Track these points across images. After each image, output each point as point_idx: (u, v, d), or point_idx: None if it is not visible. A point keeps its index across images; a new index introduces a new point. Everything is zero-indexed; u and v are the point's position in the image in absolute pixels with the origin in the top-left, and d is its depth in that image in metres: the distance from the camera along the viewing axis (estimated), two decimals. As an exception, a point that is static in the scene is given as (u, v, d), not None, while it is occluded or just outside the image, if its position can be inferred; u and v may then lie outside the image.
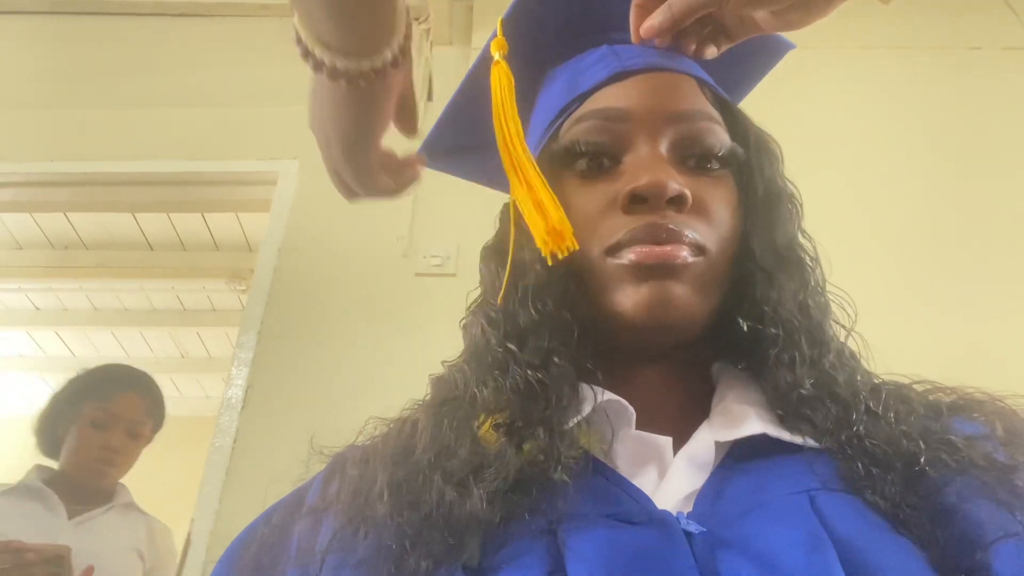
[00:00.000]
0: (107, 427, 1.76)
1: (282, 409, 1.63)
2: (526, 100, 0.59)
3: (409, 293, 1.78)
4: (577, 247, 0.48)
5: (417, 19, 2.29)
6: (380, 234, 1.86)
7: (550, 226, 0.48)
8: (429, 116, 2.02)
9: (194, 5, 2.30)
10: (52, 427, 1.80)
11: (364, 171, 0.51)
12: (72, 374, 1.89)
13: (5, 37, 2.28)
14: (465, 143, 0.66)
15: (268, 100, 2.14)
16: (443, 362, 0.54)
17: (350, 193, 0.54)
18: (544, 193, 0.49)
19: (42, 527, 1.59)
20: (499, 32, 0.57)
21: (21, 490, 1.71)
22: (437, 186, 2.06)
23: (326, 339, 1.73)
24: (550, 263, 0.48)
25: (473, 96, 0.61)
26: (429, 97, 2.11)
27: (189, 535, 1.48)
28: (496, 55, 0.55)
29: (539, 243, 0.48)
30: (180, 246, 3.23)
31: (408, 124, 0.55)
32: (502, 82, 0.54)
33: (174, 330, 3.94)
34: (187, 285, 3.51)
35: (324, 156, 0.52)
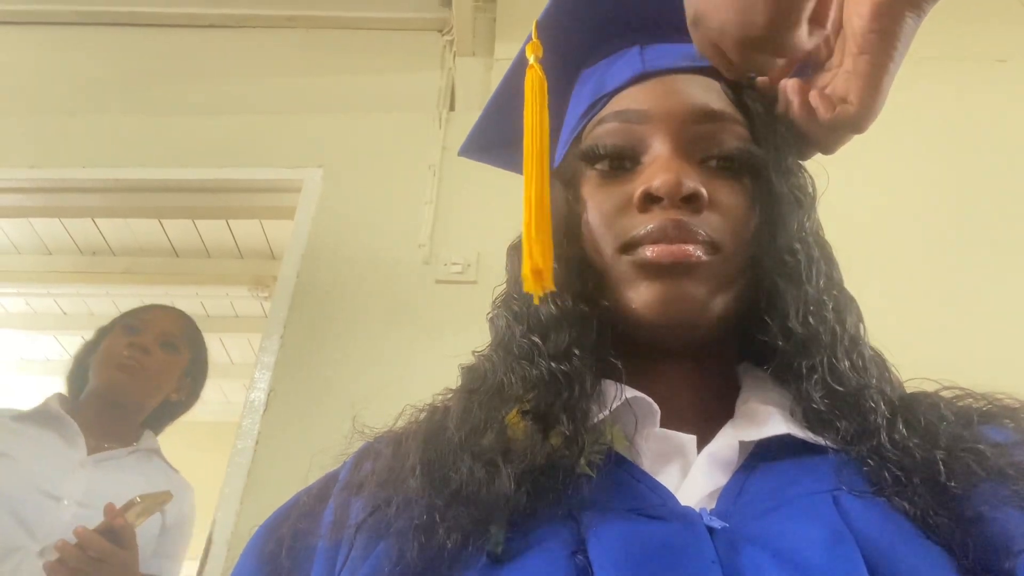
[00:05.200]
0: (139, 330, 1.62)
1: (303, 413, 1.64)
2: (562, 99, 0.60)
3: (430, 300, 1.80)
4: (553, 288, 0.48)
5: (440, 30, 2.32)
6: (401, 241, 1.88)
7: (533, 265, 0.48)
8: (451, 126, 2.04)
9: (222, 17, 2.35)
10: (83, 358, 1.67)
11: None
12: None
13: (37, 46, 2.34)
14: (505, 139, 0.66)
15: (293, 109, 2.17)
16: (473, 352, 0.55)
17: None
18: (536, 230, 0.49)
19: (59, 460, 1.47)
20: (534, 35, 0.56)
21: (38, 415, 1.55)
22: (458, 194, 2.09)
23: (348, 344, 1.75)
24: (536, 301, 0.49)
25: (512, 94, 0.61)
26: (451, 107, 2.13)
27: (211, 535, 1.50)
28: (531, 59, 0.55)
29: (523, 278, 0.48)
30: (205, 253, 3.27)
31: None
32: (534, 88, 0.54)
33: (197, 336, 3.98)
34: (211, 291, 3.56)
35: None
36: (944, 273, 1.76)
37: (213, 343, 4.19)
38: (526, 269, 0.48)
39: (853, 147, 0.56)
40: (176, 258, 3.28)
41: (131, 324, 1.64)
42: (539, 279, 0.48)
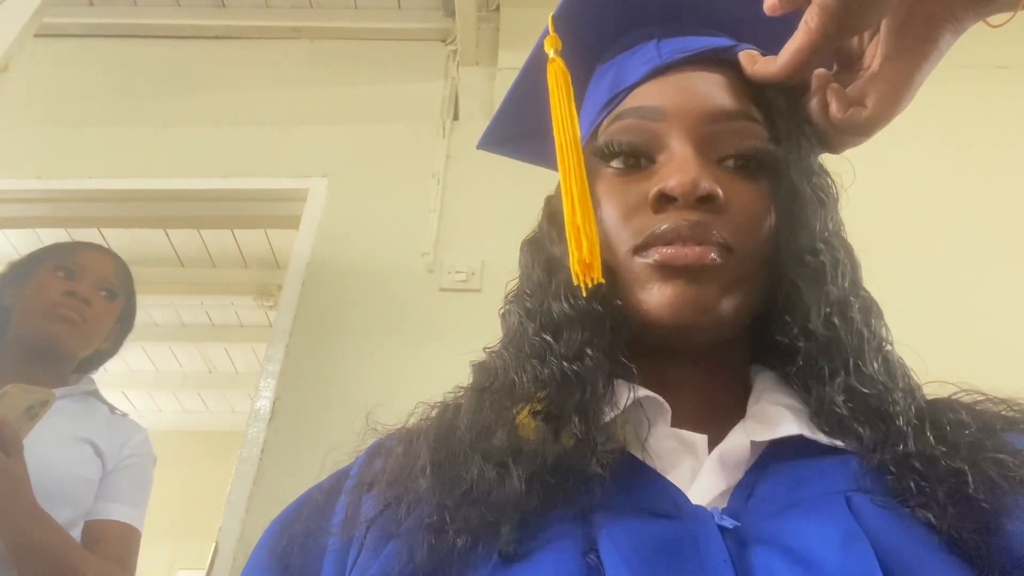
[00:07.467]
0: (77, 275, 1.43)
1: (308, 421, 1.65)
2: (578, 95, 0.59)
3: (434, 308, 1.80)
4: (603, 281, 0.47)
5: (444, 40, 2.33)
6: (406, 250, 1.89)
7: (581, 257, 0.47)
8: (454, 136, 2.05)
9: (227, 28, 2.37)
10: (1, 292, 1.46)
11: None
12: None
13: (45, 59, 2.36)
14: (524, 130, 0.66)
15: (298, 119, 2.19)
16: (484, 348, 0.55)
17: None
18: (583, 219, 0.48)
19: None
20: (551, 29, 0.56)
21: None
22: (462, 203, 2.09)
23: (352, 352, 1.75)
24: (584, 293, 0.48)
25: (529, 88, 0.61)
26: (455, 117, 2.15)
27: (216, 543, 1.50)
28: (551, 52, 0.55)
29: (572, 271, 0.48)
30: (210, 262, 3.29)
31: None
32: (559, 81, 0.53)
33: (202, 345, 3.99)
34: (216, 301, 3.57)
35: None
36: (949, 278, 1.76)
37: (218, 353, 4.22)
38: (574, 263, 0.47)
39: (850, 152, 0.56)
40: (181, 267, 3.30)
41: (66, 267, 1.44)
42: (588, 271, 0.47)
